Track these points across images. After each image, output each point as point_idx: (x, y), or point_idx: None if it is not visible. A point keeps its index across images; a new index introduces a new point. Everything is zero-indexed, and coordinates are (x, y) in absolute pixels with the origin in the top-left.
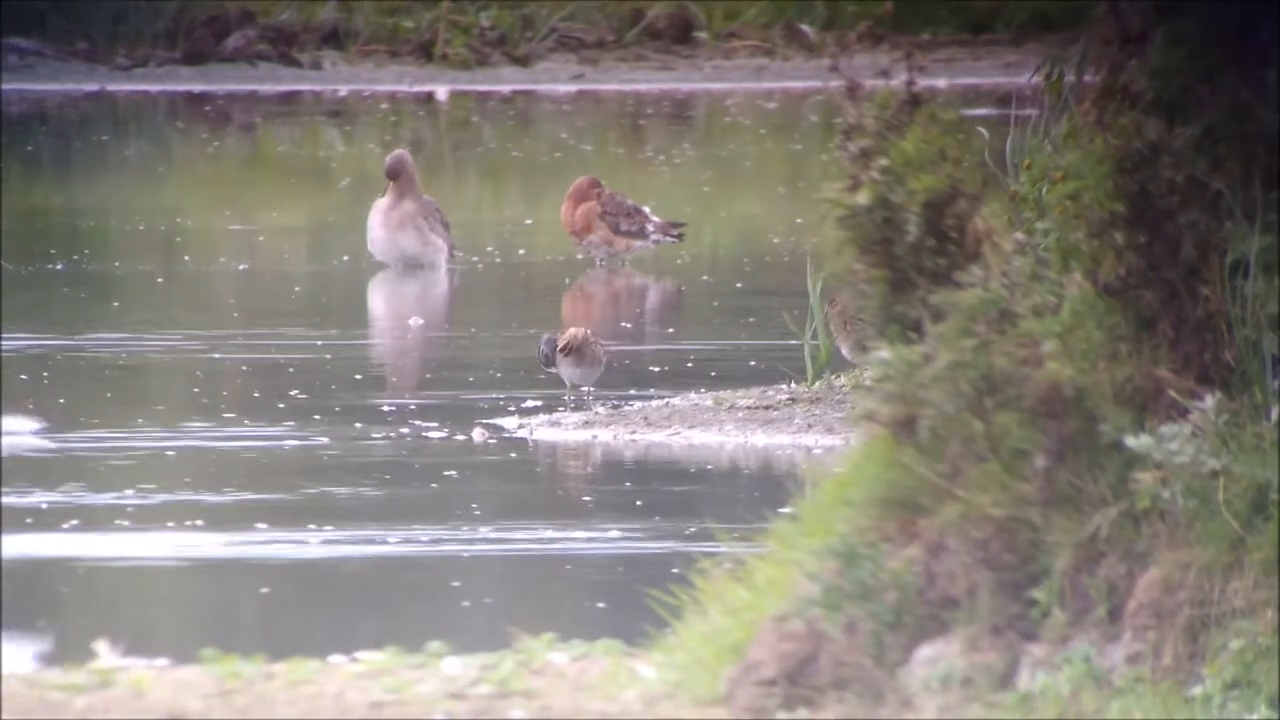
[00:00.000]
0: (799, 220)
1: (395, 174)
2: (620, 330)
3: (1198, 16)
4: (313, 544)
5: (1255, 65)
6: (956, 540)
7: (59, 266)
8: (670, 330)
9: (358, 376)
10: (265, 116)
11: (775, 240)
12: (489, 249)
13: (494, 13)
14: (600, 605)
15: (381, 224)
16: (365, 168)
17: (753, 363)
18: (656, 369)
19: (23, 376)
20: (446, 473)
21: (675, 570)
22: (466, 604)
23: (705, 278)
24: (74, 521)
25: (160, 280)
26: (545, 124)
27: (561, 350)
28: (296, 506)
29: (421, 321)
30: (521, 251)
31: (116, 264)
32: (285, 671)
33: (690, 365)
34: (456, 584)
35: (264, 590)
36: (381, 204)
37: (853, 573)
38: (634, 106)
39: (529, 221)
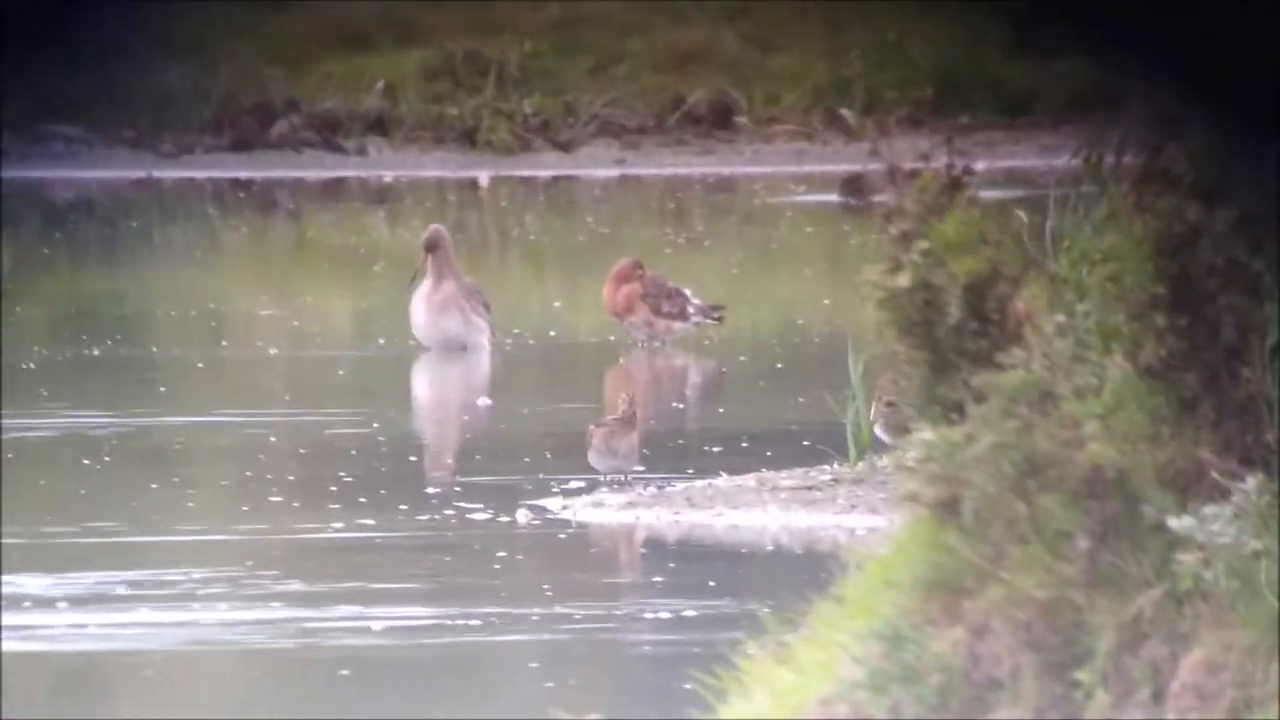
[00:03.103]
0: (833, 302)
1: (432, 246)
2: (665, 410)
3: (1234, 97)
4: (360, 628)
5: None
6: (1000, 622)
7: (96, 352)
8: (720, 410)
9: (412, 458)
10: (310, 202)
11: (814, 322)
12: (528, 331)
13: (537, 100)
14: (645, 687)
15: (425, 308)
16: (408, 252)
17: (805, 442)
18: (705, 448)
19: (85, 460)
20: (491, 555)
21: (719, 652)
22: (510, 685)
23: (742, 359)
24: (123, 607)
25: (201, 365)
26: (587, 208)
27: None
28: (342, 591)
29: (490, 402)
30: (553, 333)
31: (158, 349)
32: None
33: (744, 445)
34: (499, 666)
35: (311, 675)
36: (424, 288)
37: (897, 655)
38: (675, 191)
39: (556, 304)
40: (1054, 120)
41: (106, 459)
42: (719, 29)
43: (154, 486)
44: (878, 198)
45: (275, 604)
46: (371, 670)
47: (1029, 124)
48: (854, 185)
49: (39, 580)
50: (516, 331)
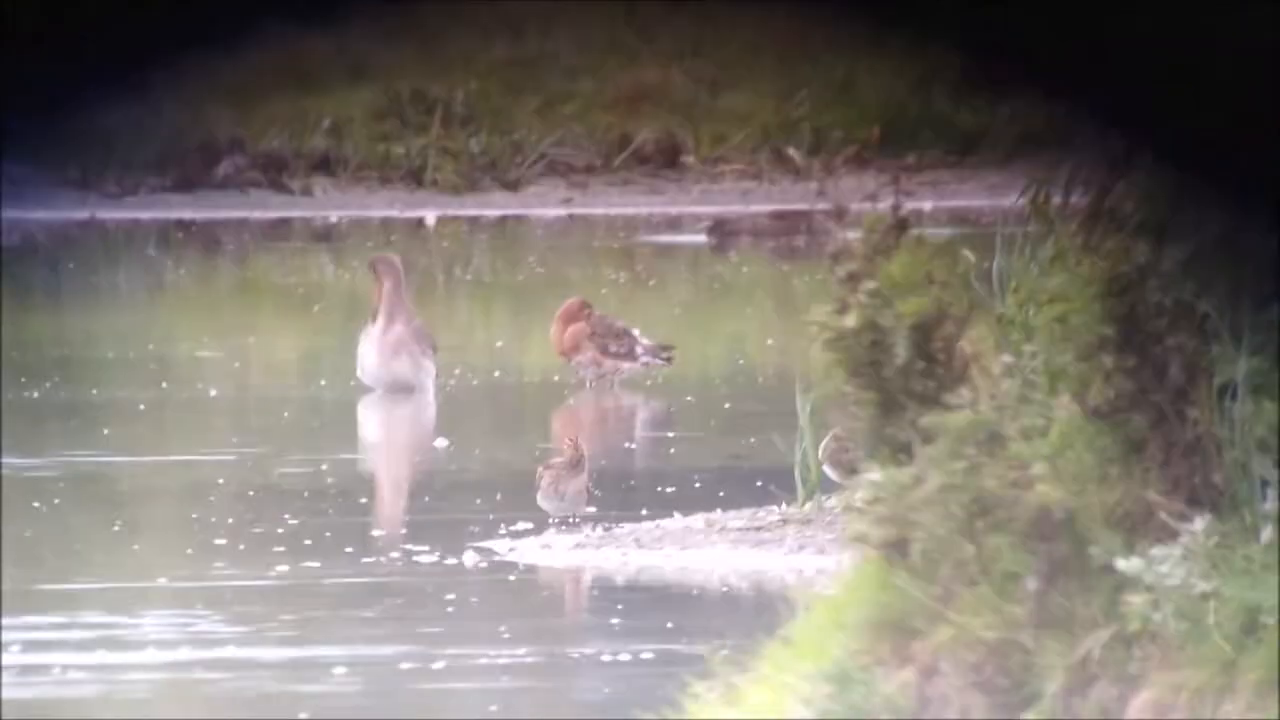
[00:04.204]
0: (778, 341)
1: (383, 272)
2: (614, 451)
3: (1183, 139)
4: (315, 671)
5: (1241, 187)
6: (949, 663)
7: (35, 395)
8: (670, 451)
9: (361, 500)
10: (255, 242)
11: (762, 361)
12: (473, 371)
13: (484, 139)
14: None
15: (376, 350)
16: (353, 292)
17: (757, 482)
18: (655, 489)
19: (35, 504)
20: (440, 598)
21: (671, 695)
22: None
23: (690, 399)
24: (77, 650)
25: (143, 407)
26: (534, 247)
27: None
28: (294, 635)
29: (446, 443)
30: (498, 373)
31: (101, 391)
32: None
33: (696, 486)
34: (457, 710)
35: (270, 716)
36: (375, 330)
37: (846, 696)
38: (623, 230)
39: (499, 344)
40: (1001, 159)
41: (55, 501)
42: (669, 69)
43: (99, 530)
44: (743, 238)
45: (229, 647)
46: (330, 713)
47: (976, 163)
48: (718, 228)
49: None
50: (457, 372)
